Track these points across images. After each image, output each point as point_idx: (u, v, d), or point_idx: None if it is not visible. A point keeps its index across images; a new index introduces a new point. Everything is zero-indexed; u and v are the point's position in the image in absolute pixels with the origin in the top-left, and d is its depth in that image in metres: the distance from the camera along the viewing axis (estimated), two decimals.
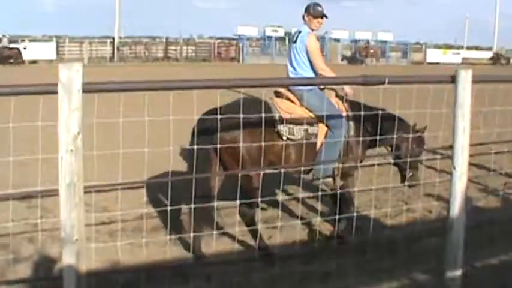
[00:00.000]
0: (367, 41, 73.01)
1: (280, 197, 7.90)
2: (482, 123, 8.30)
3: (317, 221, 7.94)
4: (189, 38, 76.89)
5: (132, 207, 7.87)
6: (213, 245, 7.01)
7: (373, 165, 8.21)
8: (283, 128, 7.43)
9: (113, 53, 64.17)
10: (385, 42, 76.99)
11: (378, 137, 7.55)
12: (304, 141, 7.25)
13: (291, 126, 7.48)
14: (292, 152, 7.49)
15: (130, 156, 5.93)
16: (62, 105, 4.18)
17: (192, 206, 6.29)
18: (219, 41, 74.24)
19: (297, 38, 7.96)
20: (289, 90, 7.76)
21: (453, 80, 5.85)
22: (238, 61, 67.27)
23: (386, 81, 5.58)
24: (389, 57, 76.44)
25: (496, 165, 10.96)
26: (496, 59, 76.61)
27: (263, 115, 6.44)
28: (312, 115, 7.66)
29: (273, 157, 7.40)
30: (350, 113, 7.69)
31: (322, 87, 7.88)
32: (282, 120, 7.42)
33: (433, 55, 77.17)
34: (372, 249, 7.07)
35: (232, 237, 7.60)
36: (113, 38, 65.39)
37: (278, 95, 7.88)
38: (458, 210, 5.96)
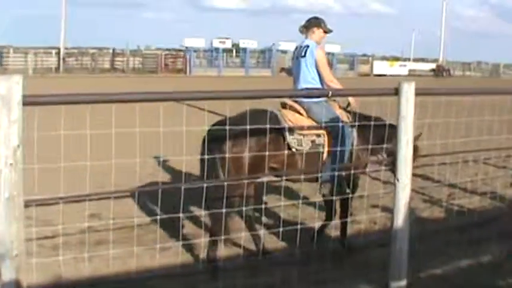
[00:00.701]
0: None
1: (223, 209, 7.85)
2: (426, 135, 8.37)
3: (262, 233, 7.92)
4: (136, 49, 76.71)
5: (75, 221, 7.76)
6: (157, 257, 6.96)
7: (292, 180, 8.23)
8: (291, 139, 7.53)
9: (59, 64, 63.45)
10: (333, 54, 77.47)
11: (384, 145, 7.72)
12: (311, 151, 7.56)
13: (299, 137, 7.59)
14: (299, 161, 7.55)
15: (73, 169, 5.86)
16: (1, 118, 4.11)
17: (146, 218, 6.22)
18: (166, 52, 74.08)
19: (305, 52, 8.07)
20: (296, 101, 7.84)
21: (396, 92, 5.90)
22: (185, 73, 67.02)
23: (330, 94, 5.62)
24: (336, 69, 76.95)
25: (441, 177, 11.09)
26: (437, 70, 77.75)
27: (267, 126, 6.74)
28: (318, 126, 7.73)
29: (280, 166, 7.48)
30: (353, 123, 7.62)
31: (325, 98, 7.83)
32: (290, 132, 7.53)
33: (380, 67, 78.17)
34: (316, 261, 7.07)
35: (177, 250, 7.54)
36: (59, 49, 64.70)
37: (285, 106, 7.96)
38: (402, 221, 6.02)
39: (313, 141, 7.73)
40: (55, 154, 5.46)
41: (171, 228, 8.14)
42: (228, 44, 73.49)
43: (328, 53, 74.75)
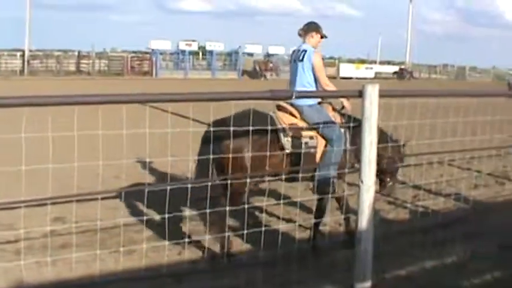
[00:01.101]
0: (267, 55, 73.53)
1: (187, 212, 7.81)
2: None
3: (225, 235, 7.89)
4: (102, 51, 76.34)
5: (38, 225, 7.68)
6: (121, 260, 6.92)
7: (281, 179, 8.22)
8: (285, 141, 7.74)
9: (23, 66, 62.90)
10: None
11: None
12: (304, 152, 7.80)
13: (292, 139, 7.80)
14: (292, 161, 7.84)
15: (35, 172, 5.80)
16: None
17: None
18: (132, 55, 73.83)
19: (303, 56, 8.29)
20: (291, 104, 8.03)
21: (360, 94, 5.92)
22: (152, 75, 66.81)
23: (294, 95, 5.61)
24: None
25: (406, 178, 11.15)
26: (400, 73, 78.30)
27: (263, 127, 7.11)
28: (311, 128, 7.99)
29: (273, 166, 7.64)
30: (347, 125, 7.82)
31: (319, 101, 8.26)
32: (284, 133, 7.74)
33: (346, 70, 78.50)
34: (281, 263, 7.07)
35: (140, 253, 7.49)
36: (23, 51, 64.14)
37: (280, 108, 8.17)
38: (366, 223, 6.03)
39: (306, 143, 7.91)
40: (17, 157, 5.40)
41: (136, 231, 8.11)
42: (195, 47, 73.39)
43: None
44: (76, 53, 70.07)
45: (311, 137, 7.96)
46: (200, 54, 78.95)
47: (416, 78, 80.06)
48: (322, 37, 8.68)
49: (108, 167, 6.63)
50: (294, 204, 8.85)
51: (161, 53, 71.03)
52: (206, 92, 6.31)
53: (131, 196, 9.12)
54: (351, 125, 7.41)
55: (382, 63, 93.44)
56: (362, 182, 5.97)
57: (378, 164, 7.56)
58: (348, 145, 8.02)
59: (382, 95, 6.03)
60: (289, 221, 8.82)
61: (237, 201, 7.38)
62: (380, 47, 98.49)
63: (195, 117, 7.22)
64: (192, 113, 6.51)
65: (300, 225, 8.19)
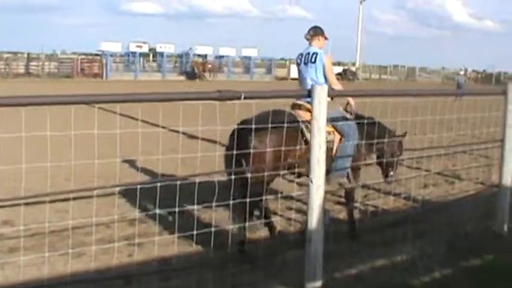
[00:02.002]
0: (205, 56, 73.51)
1: (137, 213, 7.77)
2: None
3: (175, 237, 7.87)
4: (51, 53, 75.52)
5: None
6: (70, 263, 6.85)
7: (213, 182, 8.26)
8: (309, 135, 7.54)
9: None
10: (250, 58, 77.80)
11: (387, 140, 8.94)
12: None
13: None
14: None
15: None
16: None
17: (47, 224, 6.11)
18: (82, 56, 73.15)
19: (315, 58, 8.93)
20: (309, 102, 7.84)
21: (309, 94, 5.95)
22: (102, 77, 66.23)
23: (243, 96, 5.60)
24: (253, 73, 77.36)
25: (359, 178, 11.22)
26: (344, 74, 78.65)
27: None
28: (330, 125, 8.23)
29: (297, 159, 8.06)
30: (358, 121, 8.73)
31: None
32: (307, 128, 7.89)
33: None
34: (232, 264, 7.06)
35: (90, 255, 7.43)
36: None
37: (297, 106, 8.76)
38: (316, 222, 6.05)
39: (325, 138, 7.94)
40: None
41: (85, 234, 8.04)
42: (145, 49, 73.02)
43: (245, 57, 75.34)
44: (25, 55, 69.17)
45: (328, 132, 8.08)
46: (151, 56, 78.64)
47: (358, 79, 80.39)
48: (325, 39, 9.35)
49: (57, 169, 6.58)
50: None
51: (111, 55, 70.46)
52: (154, 93, 6.27)
53: (81, 198, 9.04)
54: (365, 121, 8.52)
55: (333, 64, 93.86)
56: (311, 181, 5.99)
57: (380, 157, 9.09)
58: (359, 139, 8.75)
59: (331, 95, 6.06)
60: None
61: (261, 191, 7.85)
62: (331, 48, 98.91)
63: (144, 119, 7.17)
64: (141, 114, 6.48)
65: (250, 226, 8.19)
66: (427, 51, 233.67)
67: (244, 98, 5.62)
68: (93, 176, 6.78)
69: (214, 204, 6.80)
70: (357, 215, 9.95)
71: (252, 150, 7.58)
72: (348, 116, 8.95)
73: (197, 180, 7.43)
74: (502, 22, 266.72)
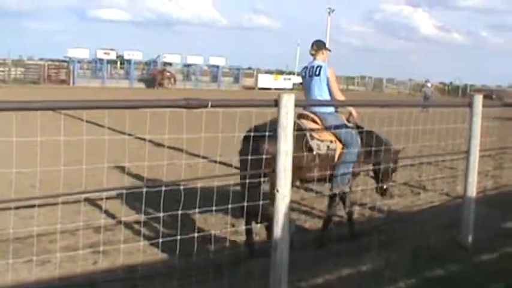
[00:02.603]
0: (164, 64, 73.32)
1: (102, 221, 7.72)
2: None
3: (140, 245, 7.82)
4: (18, 59, 74.92)
5: None
6: (34, 270, 6.79)
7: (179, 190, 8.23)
8: (313, 143, 8.69)
9: None
10: (217, 67, 77.84)
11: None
12: (327, 153, 8.86)
13: (318, 142, 8.78)
14: (318, 162, 8.71)
15: None
16: None
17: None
18: (49, 63, 72.55)
19: (319, 71, 9.38)
20: (313, 112, 9.16)
21: (276, 103, 5.95)
22: (69, 84, 65.82)
23: (210, 104, 5.59)
24: (221, 82, 77.39)
25: (322, 188, 11.24)
26: (299, 84, 78.86)
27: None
28: (331, 133, 9.01)
29: (303, 165, 8.37)
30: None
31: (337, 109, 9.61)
32: (312, 137, 8.69)
33: (265, 80, 78.71)
34: (197, 272, 7.03)
35: (55, 263, 7.36)
36: None
37: (303, 116, 9.15)
38: (282, 231, 6.05)
39: (328, 146, 8.91)
40: None
41: (50, 241, 7.97)
42: (113, 56, 72.76)
43: (213, 66, 75.37)
44: None
45: (331, 141, 8.93)
46: (118, 63, 78.31)
47: (296, 88, 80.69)
48: (328, 50, 9.93)
49: (22, 175, 6.52)
50: (210, 211, 8.87)
51: (79, 62, 70.15)
52: (120, 100, 6.24)
53: (46, 205, 8.96)
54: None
55: (298, 74, 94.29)
56: (277, 190, 5.99)
57: (376, 168, 9.51)
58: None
59: (298, 104, 6.08)
60: (205, 229, 8.76)
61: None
62: (298, 58, 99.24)
63: (111, 126, 7.14)
64: (108, 122, 6.45)
65: (215, 234, 8.17)
66: (394, 63, 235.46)
67: (212, 106, 5.61)
68: (58, 183, 6.71)
69: (180, 212, 6.77)
70: (320, 224, 9.99)
71: (263, 156, 7.63)
72: (349, 125, 9.33)
73: (163, 188, 7.39)
74: (469, 35, 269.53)
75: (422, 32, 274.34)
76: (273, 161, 7.27)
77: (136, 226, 8.83)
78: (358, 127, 9.40)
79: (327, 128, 9.03)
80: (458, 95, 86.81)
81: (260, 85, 77.18)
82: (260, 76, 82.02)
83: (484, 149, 10.21)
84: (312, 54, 9.71)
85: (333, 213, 9.47)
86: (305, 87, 9.71)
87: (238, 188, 8.12)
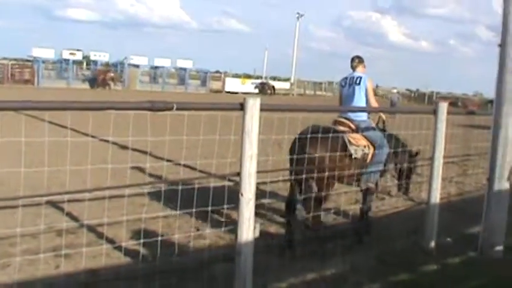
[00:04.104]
0: (107, 65, 72.96)
1: (65, 224, 7.63)
2: (274, 151, 8.49)
3: (103, 248, 7.75)
4: None
5: None
6: None
7: (143, 194, 8.20)
8: (352, 148, 9.44)
9: None
10: (185, 69, 77.74)
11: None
12: (361, 157, 9.59)
13: (356, 147, 9.52)
14: (354, 165, 9.50)
15: None
16: None
17: None
18: (13, 62, 71.88)
19: (359, 81, 10.22)
20: (350, 120, 9.98)
21: (242, 107, 5.92)
22: (33, 84, 65.22)
23: (175, 107, 5.55)
24: (188, 85, 77.30)
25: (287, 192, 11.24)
26: (261, 88, 78.96)
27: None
28: (365, 138, 9.78)
29: (343, 168, 9.31)
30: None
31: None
32: (350, 143, 9.47)
33: (232, 84, 78.81)
34: (160, 276, 6.97)
35: (15, 266, 7.25)
36: None
37: (339, 123, 10.04)
38: (247, 236, 6.03)
39: (363, 151, 9.60)
40: None
41: (10, 244, 7.87)
42: (79, 56, 72.32)
43: (181, 69, 75.25)
44: None
45: (365, 146, 9.66)
46: (84, 64, 77.83)
47: (277, 93, 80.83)
48: (364, 67, 10.73)
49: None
50: (174, 216, 8.83)
51: (44, 62, 69.51)
52: (84, 101, 6.15)
53: (6, 208, 8.85)
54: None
55: (272, 78, 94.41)
56: (242, 194, 5.97)
57: (398, 167, 10.51)
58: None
59: (264, 108, 6.06)
60: (171, 234, 8.70)
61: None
62: (267, 62, 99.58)
63: (74, 127, 7.04)
64: (70, 123, 6.36)
65: (179, 238, 8.12)
66: None
67: (177, 109, 5.57)
68: (19, 185, 6.61)
69: (144, 215, 6.73)
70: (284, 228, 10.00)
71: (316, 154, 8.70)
72: (378, 128, 10.31)
73: (127, 191, 7.34)
74: (437, 43, 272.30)
75: (390, 38, 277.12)
76: (321, 161, 8.85)
77: (99, 229, 8.75)
78: (383, 130, 10.35)
79: (358, 132, 9.85)
80: (424, 102, 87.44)
81: (227, 89, 77.25)
82: (227, 80, 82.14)
83: (449, 155, 10.29)
84: (353, 66, 10.57)
85: (368, 206, 10.14)
86: (343, 95, 10.53)
87: (202, 191, 8.07)
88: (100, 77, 69.24)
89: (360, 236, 9.74)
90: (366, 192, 10.08)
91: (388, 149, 9.95)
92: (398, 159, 10.42)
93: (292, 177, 9.27)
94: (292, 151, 9.08)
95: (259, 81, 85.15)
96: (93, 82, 68.83)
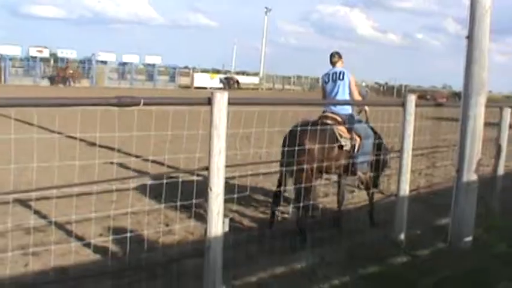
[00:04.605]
0: (67, 61, 72.27)
1: (33, 222, 7.56)
2: (242, 144, 8.48)
3: (72, 246, 7.69)
4: None
5: None
6: None
7: (111, 190, 8.14)
8: (343, 141, 9.91)
9: None
10: (153, 65, 77.41)
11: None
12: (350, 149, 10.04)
13: (345, 139, 9.97)
14: (343, 156, 9.94)
15: None
16: None
17: None
18: None
19: (343, 76, 10.70)
20: (336, 114, 10.41)
21: (209, 102, 5.91)
22: (0, 81, 64.54)
23: (142, 102, 5.52)
24: (157, 81, 76.96)
25: (257, 186, 11.24)
26: (226, 82, 78.76)
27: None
28: (349, 131, 10.19)
29: (335, 159, 9.76)
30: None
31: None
32: (340, 136, 9.93)
33: (201, 79, 78.55)
34: (130, 273, 6.95)
35: None
36: None
37: (328, 118, 10.35)
38: (216, 230, 6.02)
39: (351, 142, 10.07)
40: None
41: None
42: (46, 53, 71.64)
43: (149, 65, 74.92)
44: None
45: (352, 138, 10.10)
46: (52, 61, 77.13)
47: (241, 88, 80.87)
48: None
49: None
50: (143, 212, 8.80)
51: (10, 59, 68.78)
52: (51, 97, 6.11)
53: None
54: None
55: (237, 73, 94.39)
56: (211, 189, 5.96)
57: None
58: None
59: (231, 102, 6.05)
60: (138, 229, 8.67)
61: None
62: (235, 57, 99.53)
63: (41, 124, 6.99)
64: (37, 120, 6.31)
65: (149, 234, 8.10)
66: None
67: (144, 104, 5.54)
68: None
69: (112, 212, 6.70)
70: (257, 222, 9.99)
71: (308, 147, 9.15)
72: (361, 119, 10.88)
73: (95, 188, 7.30)
74: (405, 36, 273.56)
75: (358, 32, 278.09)
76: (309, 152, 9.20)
77: (68, 227, 8.69)
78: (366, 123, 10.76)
79: (344, 124, 10.25)
80: (393, 95, 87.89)
81: (196, 84, 77.02)
82: (196, 75, 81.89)
83: (418, 147, 10.36)
84: (333, 62, 11.00)
85: (373, 191, 10.79)
86: (327, 90, 10.91)
87: (171, 186, 8.04)
88: (60, 74, 68.57)
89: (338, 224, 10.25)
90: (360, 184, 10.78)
91: (373, 139, 10.31)
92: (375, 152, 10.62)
93: (284, 169, 9.47)
94: (286, 144, 9.33)
95: (223, 76, 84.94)
96: (53, 79, 68.16)
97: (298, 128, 9.16)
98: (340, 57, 11.07)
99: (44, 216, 9.24)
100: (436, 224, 9.99)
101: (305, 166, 8.92)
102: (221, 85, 76.54)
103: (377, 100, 39.16)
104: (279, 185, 9.86)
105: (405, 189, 8.89)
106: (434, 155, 17.83)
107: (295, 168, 8.90)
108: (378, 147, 10.49)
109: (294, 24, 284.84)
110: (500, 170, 11.66)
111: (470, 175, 8.73)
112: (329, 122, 10.15)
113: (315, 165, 9.27)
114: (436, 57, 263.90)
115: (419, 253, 8.51)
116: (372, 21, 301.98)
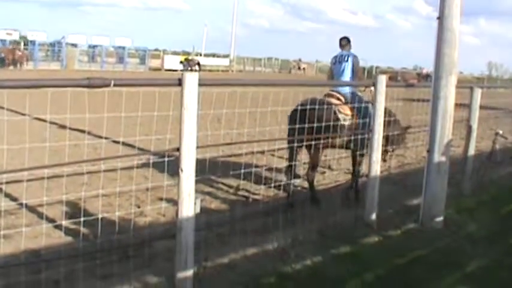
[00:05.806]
0: (15, 43, 71.25)
1: (3, 204, 7.51)
2: (214, 126, 8.47)
3: (44, 227, 7.67)
4: None
5: None
6: None
7: (82, 173, 8.12)
8: (341, 117, 10.54)
9: None
10: (123, 48, 76.89)
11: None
12: (349, 124, 10.65)
13: (344, 115, 10.64)
14: (342, 131, 10.41)
15: None
16: None
17: None
18: None
19: (347, 58, 11.57)
20: (338, 92, 11.25)
21: (180, 83, 5.90)
22: None
23: (112, 83, 5.50)
24: (127, 63, 76.47)
25: (228, 168, 11.26)
26: (187, 64, 77.84)
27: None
28: (351, 108, 10.81)
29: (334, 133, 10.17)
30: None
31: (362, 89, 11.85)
32: (339, 111, 10.58)
33: (171, 62, 78.08)
34: (102, 255, 6.94)
35: None
36: None
37: (329, 95, 11.22)
38: (187, 212, 6.04)
39: (350, 118, 10.69)
40: None
41: None
42: (16, 36, 70.86)
43: (119, 47, 74.39)
44: None
45: (352, 115, 10.70)
46: (22, 44, 76.33)
47: (216, 70, 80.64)
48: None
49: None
50: (114, 194, 8.79)
51: None
52: (20, 79, 6.04)
53: None
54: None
55: (207, 55, 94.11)
56: (182, 170, 5.96)
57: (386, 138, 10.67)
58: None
59: (202, 84, 6.04)
60: (109, 211, 8.64)
61: (317, 156, 10.61)
62: (206, 39, 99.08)
63: (10, 107, 6.94)
64: (7, 103, 6.28)
65: (120, 216, 8.08)
66: (302, 45, 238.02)
67: (114, 85, 5.52)
68: None
69: (83, 193, 6.68)
70: (228, 204, 10.02)
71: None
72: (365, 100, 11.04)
73: (66, 170, 7.27)
74: (376, 17, 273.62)
75: (329, 14, 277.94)
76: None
77: (39, 209, 8.65)
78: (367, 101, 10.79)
79: (347, 103, 10.95)
80: (364, 77, 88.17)
81: (167, 66, 76.63)
82: (166, 57, 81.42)
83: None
84: (342, 45, 11.80)
85: (359, 170, 11.27)
86: (334, 71, 11.80)
87: (142, 168, 8.04)
88: (9, 56, 67.26)
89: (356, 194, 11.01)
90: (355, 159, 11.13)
91: (371, 120, 10.11)
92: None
93: (295, 145, 10.14)
94: (293, 121, 9.62)
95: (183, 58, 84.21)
96: (3, 62, 66.80)
97: (308, 107, 9.78)
98: (348, 41, 11.87)
99: (14, 199, 9.19)
100: (408, 205, 10.09)
101: (318, 141, 9.77)
102: (181, 67, 75.81)
103: (347, 81, 39.18)
104: (290, 159, 10.38)
105: (376, 170, 8.96)
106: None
107: (304, 143, 9.97)
108: (393, 124, 10.94)
109: (265, 6, 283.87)
110: (471, 151, 11.78)
111: (441, 156, 8.81)
112: (332, 100, 10.88)
113: (326, 140, 9.95)
114: (407, 38, 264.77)
115: (391, 233, 8.60)
116: (342, 2, 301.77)
